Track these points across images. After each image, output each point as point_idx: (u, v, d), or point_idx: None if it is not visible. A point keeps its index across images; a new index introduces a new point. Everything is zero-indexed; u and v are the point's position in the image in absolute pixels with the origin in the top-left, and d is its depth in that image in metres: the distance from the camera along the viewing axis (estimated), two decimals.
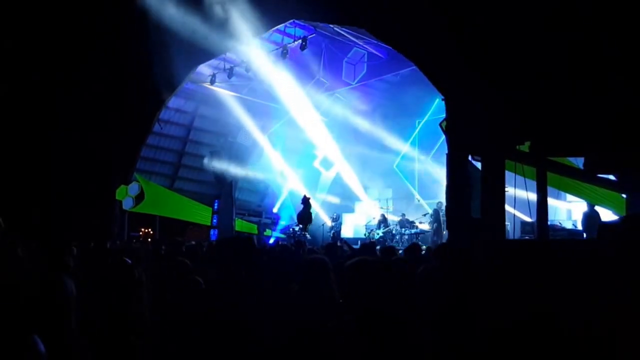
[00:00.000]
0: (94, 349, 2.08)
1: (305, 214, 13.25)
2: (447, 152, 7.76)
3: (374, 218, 15.28)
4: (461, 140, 7.41)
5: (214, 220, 16.61)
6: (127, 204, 15.23)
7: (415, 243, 6.85)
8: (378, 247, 7.59)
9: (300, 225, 13.97)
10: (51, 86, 11.17)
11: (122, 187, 14.71)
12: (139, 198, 15.66)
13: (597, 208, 10.22)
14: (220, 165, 16.39)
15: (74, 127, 11.85)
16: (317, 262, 2.93)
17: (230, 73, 15.01)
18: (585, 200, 10.48)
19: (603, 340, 2.16)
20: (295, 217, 17.75)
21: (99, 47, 11.48)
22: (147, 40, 11.17)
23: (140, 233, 19.94)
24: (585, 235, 9.90)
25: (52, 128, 11.68)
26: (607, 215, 9.98)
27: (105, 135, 12.39)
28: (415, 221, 14.34)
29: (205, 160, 16.55)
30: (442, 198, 12.31)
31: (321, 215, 16.85)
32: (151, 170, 17.98)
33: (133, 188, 15.46)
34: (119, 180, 14.38)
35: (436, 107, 14.87)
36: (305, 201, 13.25)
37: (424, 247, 8.31)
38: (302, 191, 15.99)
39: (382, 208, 15.98)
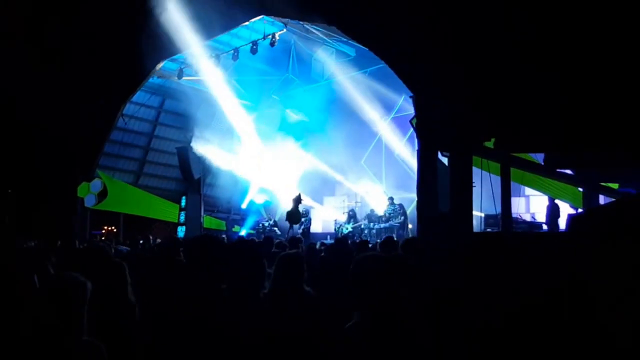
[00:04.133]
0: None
1: (293, 213, 13.21)
2: (417, 148, 7.95)
3: (343, 213, 15.44)
4: (431, 136, 7.61)
5: (182, 217, 16.33)
6: (89, 202, 14.77)
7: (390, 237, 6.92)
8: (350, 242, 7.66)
9: (272, 221, 13.91)
10: (11, 77, 10.69)
11: (84, 184, 14.25)
12: (102, 195, 15.22)
13: (557, 201, 10.77)
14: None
15: (33, 121, 11.39)
16: (292, 258, 2.92)
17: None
18: (546, 194, 11.01)
19: (574, 328, 2.28)
20: (263, 211, 17.68)
21: (63, 40, 11.07)
22: (112, 32, 10.85)
23: (103, 231, 19.36)
24: (548, 226, 10.43)
25: (10, 122, 11.19)
26: (565, 208, 10.52)
27: (67, 130, 11.96)
28: (385, 215, 14.57)
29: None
30: (410, 193, 12.58)
31: None
32: (114, 167, 17.49)
33: (95, 185, 15.01)
34: (81, 177, 13.92)
35: (402, 104, 15.20)
36: (297, 200, 13.24)
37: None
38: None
39: (350, 203, 16.15)
